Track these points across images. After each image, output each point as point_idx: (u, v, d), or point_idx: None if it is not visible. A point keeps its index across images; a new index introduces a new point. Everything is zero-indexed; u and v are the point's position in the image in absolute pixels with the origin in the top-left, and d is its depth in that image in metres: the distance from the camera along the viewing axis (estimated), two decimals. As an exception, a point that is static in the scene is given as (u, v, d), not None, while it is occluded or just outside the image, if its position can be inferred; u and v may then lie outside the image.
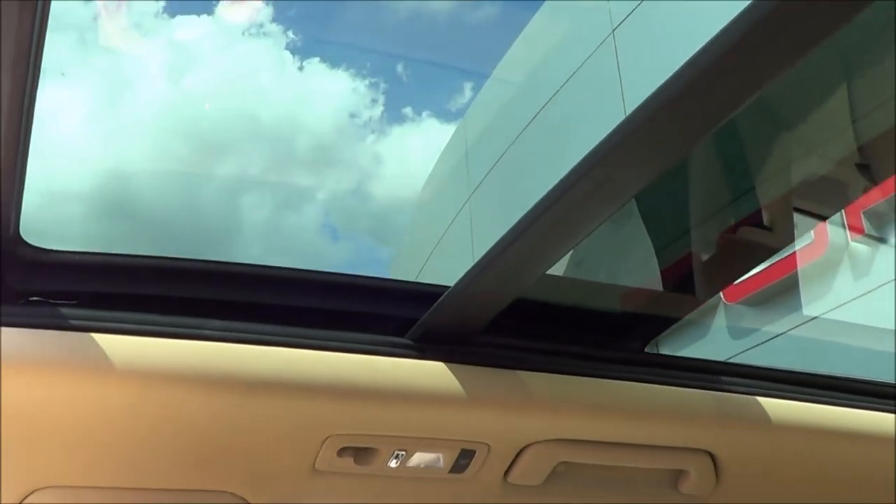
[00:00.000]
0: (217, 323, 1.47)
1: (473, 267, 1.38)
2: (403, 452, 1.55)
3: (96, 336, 1.41)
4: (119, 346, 1.42)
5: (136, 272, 1.53)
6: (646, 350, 1.71)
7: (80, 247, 1.52)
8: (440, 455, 1.56)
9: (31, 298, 1.47)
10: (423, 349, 1.51)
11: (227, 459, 1.60)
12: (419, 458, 1.56)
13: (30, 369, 1.41)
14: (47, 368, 1.40)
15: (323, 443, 1.53)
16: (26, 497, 1.59)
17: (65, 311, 1.45)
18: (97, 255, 1.51)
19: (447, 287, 1.44)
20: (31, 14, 1.02)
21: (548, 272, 1.38)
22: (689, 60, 1.04)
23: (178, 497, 1.59)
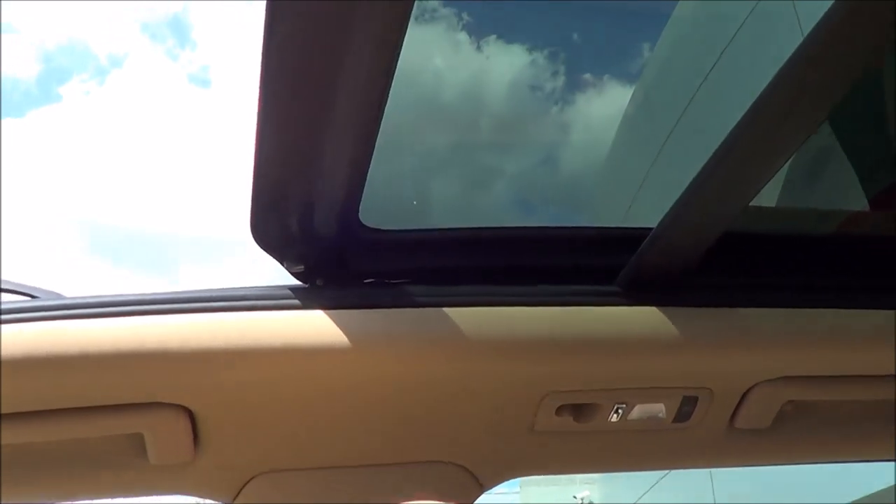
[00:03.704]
0: (427, 289, 1.53)
1: (677, 203, 1.36)
2: (623, 405, 1.56)
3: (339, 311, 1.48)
4: (344, 320, 1.48)
5: None
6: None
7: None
8: (662, 405, 1.57)
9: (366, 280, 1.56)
10: (633, 295, 1.52)
11: (445, 428, 1.61)
12: (640, 410, 1.57)
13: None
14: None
15: (540, 402, 1.55)
16: (246, 483, 1.67)
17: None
18: (421, 231, 1.61)
19: (651, 228, 1.43)
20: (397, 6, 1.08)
21: (752, 203, 1.35)
22: None
23: (399, 471, 1.66)
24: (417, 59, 1.76)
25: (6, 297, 1.53)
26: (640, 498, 13.98)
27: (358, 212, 1.44)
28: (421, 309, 1.50)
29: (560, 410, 1.56)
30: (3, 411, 1.48)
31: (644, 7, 2.00)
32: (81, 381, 1.45)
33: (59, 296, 1.53)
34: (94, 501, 1.73)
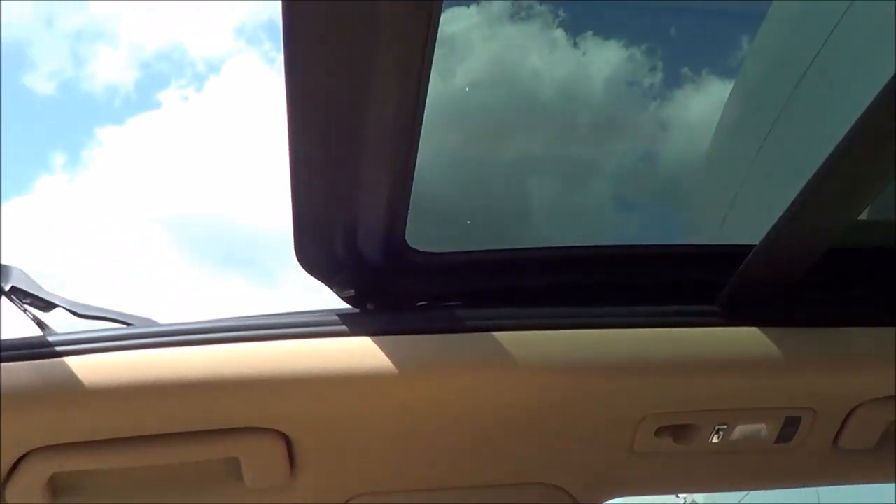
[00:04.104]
0: (523, 311, 1.53)
1: (782, 218, 1.33)
2: (724, 426, 1.55)
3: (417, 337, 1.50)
4: (443, 343, 1.49)
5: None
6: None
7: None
8: (764, 425, 1.55)
9: (419, 304, 1.57)
10: (733, 314, 1.50)
11: (544, 450, 1.61)
12: (741, 431, 1.55)
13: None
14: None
15: (639, 423, 1.55)
16: None
17: (459, 312, 1.54)
18: (467, 253, 1.59)
19: (750, 246, 1.40)
20: (426, 25, 1.09)
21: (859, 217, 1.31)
22: None
23: (497, 493, 1.68)
24: (515, 58, 1.76)
25: (102, 324, 1.57)
26: (743, 498, 13.78)
27: (404, 235, 1.44)
28: (509, 333, 1.49)
29: (660, 432, 1.55)
30: (103, 437, 1.52)
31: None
32: (179, 407, 1.48)
33: (153, 322, 1.56)
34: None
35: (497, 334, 1.48)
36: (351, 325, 1.49)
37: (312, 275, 1.48)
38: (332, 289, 1.51)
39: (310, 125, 1.22)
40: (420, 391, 1.49)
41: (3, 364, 1.45)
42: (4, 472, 1.56)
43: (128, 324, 1.56)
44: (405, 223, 1.40)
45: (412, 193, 1.37)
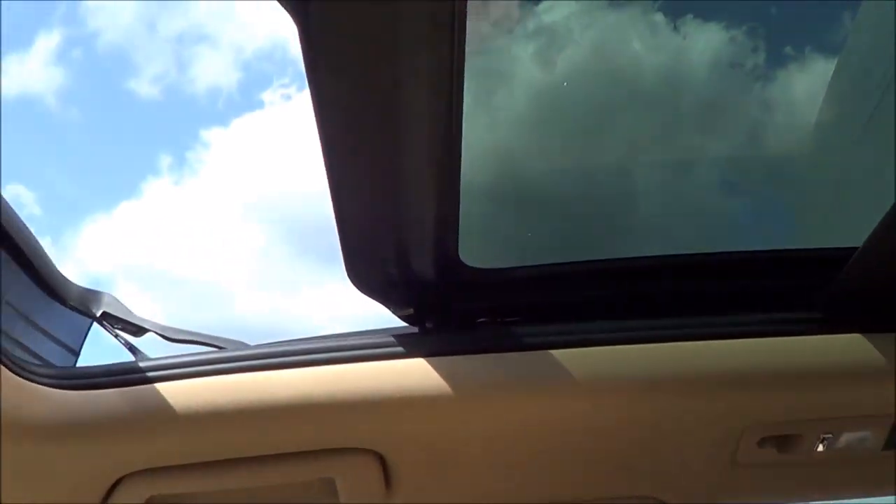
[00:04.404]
0: (611, 324, 1.51)
1: (884, 220, 1.30)
2: (830, 435, 1.53)
3: (512, 355, 1.49)
4: (529, 361, 1.49)
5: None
6: None
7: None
8: (869, 432, 1.54)
9: (479, 320, 1.57)
10: (835, 321, 1.47)
11: (643, 463, 1.61)
12: (847, 439, 1.53)
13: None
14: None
15: (742, 435, 1.53)
16: None
17: (513, 329, 1.53)
18: (526, 268, 1.58)
19: (852, 248, 1.37)
20: (449, 40, 1.07)
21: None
22: None
23: None
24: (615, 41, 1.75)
25: (195, 348, 1.60)
26: None
27: (458, 252, 1.42)
28: (597, 348, 1.48)
29: (763, 442, 1.54)
30: (198, 460, 1.54)
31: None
32: (272, 430, 1.50)
33: (244, 345, 1.58)
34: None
35: (583, 350, 1.47)
36: (418, 345, 1.49)
37: (367, 295, 1.48)
38: (388, 307, 1.51)
39: (343, 149, 1.21)
40: (506, 409, 1.49)
41: (97, 391, 1.47)
42: (100, 498, 1.58)
43: (219, 347, 1.58)
44: (457, 240, 1.39)
45: (468, 213, 1.36)
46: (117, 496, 1.58)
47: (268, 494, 1.62)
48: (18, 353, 1.49)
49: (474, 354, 1.48)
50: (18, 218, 1.53)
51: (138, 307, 1.72)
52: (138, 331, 1.67)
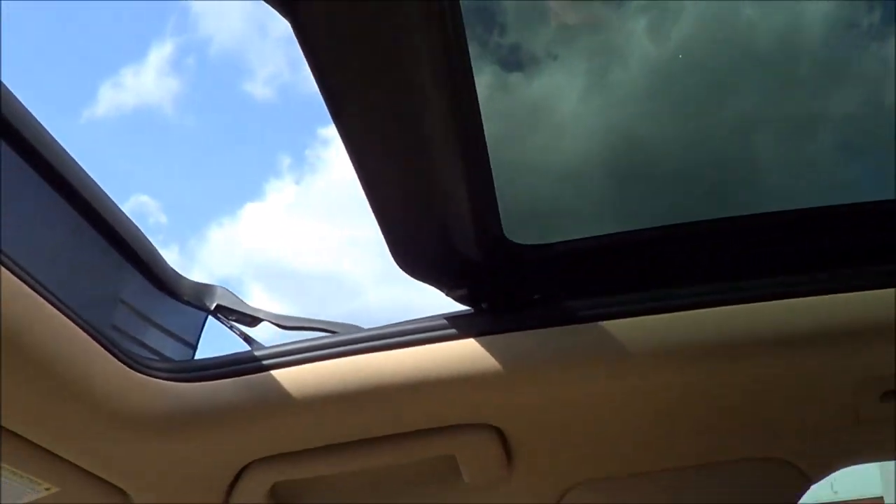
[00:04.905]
0: (704, 288, 1.52)
1: None
2: None
3: (604, 324, 1.50)
4: (631, 329, 1.51)
5: (612, 251, 1.59)
6: None
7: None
8: None
9: (528, 299, 1.58)
10: None
11: (765, 425, 1.63)
12: None
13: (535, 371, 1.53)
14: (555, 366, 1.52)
15: (863, 390, 1.54)
16: (564, 495, 1.72)
17: (567, 304, 1.55)
18: (576, 241, 1.57)
19: None
20: (442, 10, 1.07)
21: None
22: None
23: (720, 471, 1.69)
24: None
25: (310, 335, 1.62)
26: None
27: (502, 231, 1.43)
28: (707, 310, 1.49)
29: (886, 396, 1.54)
30: (319, 444, 1.58)
31: None
32: (390, 410, 1.54)
33: (357, 328, 1.59)
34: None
35: (678, 315, 1.49)
36: (478, 325, 1.51)
37: (417, 279, 1.50)
38: (441, 290, 1.53)
39: (363, 140, 1.21)
40: (618, 377, 1.51)
41: (216, 382, 1.51)
42: (226, 486, 1.64)
43: (332, 331, 1.61)
44: (498, 219, 1.40)
45: (523, 191, 1.35)
46: (242, 485, 1.62)
47: (390, 475, 1.67)
48: (136, 349, 1.54)
49: (551, 328, 1.50)
50: (128, 218, 1.58)
51: (266, 306, 1.76)
52: (252, 321, 1.71)
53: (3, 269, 1.17)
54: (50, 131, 1.40)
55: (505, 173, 1.43)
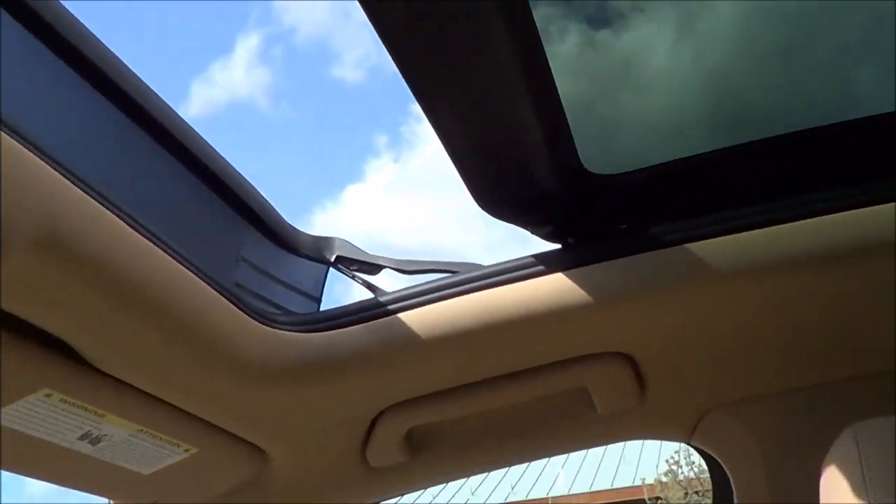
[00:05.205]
0: (813, 196, 1.52)
1: None
2: None
3: (691, 246, 1.51)
4: (722, 248, 1.51)
5: (696, 171, 1.57)
6: None
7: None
8: None
9: (607, 227, 1.59)
10: None
11: (870, 336, 1.61)
12: None
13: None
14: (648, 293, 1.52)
15: None
16: (700, 420, 1.73)
17: (650, 230, 1.55)
18: (654, 167, 1.56)
19: None
20: None
21: None
22: None
23: (853, 386, 1.67)
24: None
25: (430, 277, 1.63)
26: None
27: (580, 162, 1.42)
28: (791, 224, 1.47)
29: None
30: (450, 386, 1.61)
31: None
32: (519, 344, 1.55)
33: (477, 266, 1.60)
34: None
35: (791, 225, 1.49)
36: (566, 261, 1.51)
37: (502, 219, 1.50)
38: (526, 228, 1.53)
39: (429, 83, 1.22)
40: (743, 293, 1.51)
41: (344, 330, 1.53)
42: (362, 437, 1.67)
43: (453, 271, 1.61)
44: (575, 150, 1.39)
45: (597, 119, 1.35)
46: (378, 434, 1.65)
47: (524, 411, 1.68)
48: (262, 306, 1.56)
49: (653, 251, 1.51)
50: (243, 177, 1.61)
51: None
52: (373, 269, 1.72)
53: (135, 231, 1.21)
54: (173, 107, 1.47)
55: (597, 125, 1.44)
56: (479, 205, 1.48)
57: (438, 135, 1.30)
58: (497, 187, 1.48)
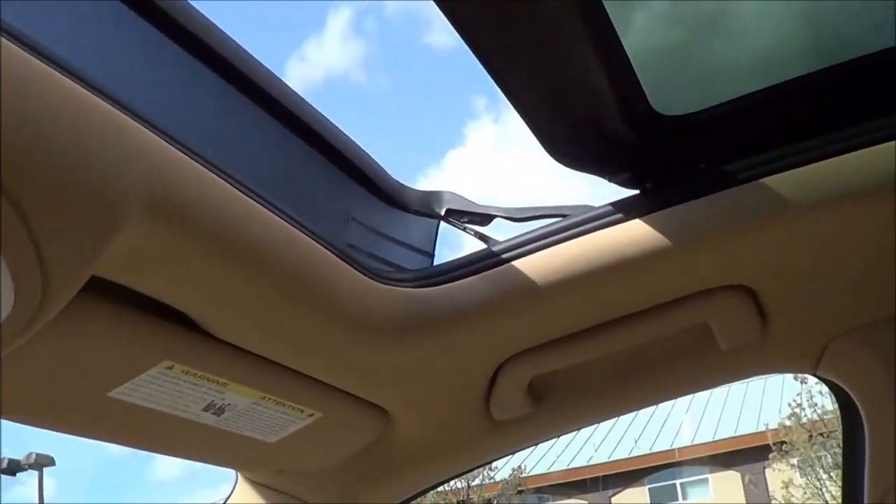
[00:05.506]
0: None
1: None
2: None
3: (767, 181, 1.46)
4: (791, 181, 1.46)
5: (766, 107, 1.53)
6: None
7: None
8: None
9: (680, 168, 1.55)
10: None
11: None
12: None
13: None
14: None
15: None
16: (825, 348, 1.66)
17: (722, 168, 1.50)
18: (725, 104, 1.52)
19: None
20: None
21: None
22: None
23: None
24: None
25: (540, 223, 1.61)
26: None
27: (649, 104, 1.39)
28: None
29: None
30: (569, 332, 1.58)
31: None
32: (637, 283, 1.51)
33: (589, 208, 1.56)
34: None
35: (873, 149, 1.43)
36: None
37: (577, 169, 1.47)
38: (604, 177, 1.50)
39: (489, 38, 1.20)
40: (853, 215, 1.46)
41: (459, 282, 1.51)
42: (484, 390, 1.65)
43: (563, 215, 1.58)
44: (642, 93, 1.36)
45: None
46: (500, 385, 1.63)
47: (645, 353, 1.65)
48: (375, 265, 1.56)
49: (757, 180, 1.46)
50: (349, 138, 1.60)
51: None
52: (484, 219, 1.69)
53: (247, 196, 1.21)
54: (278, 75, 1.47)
55: (677, 67, 1.41)
56: (551, 154, 1.45)
57: (503, 91, 1.28)
58: (568, 138, 1.46)
